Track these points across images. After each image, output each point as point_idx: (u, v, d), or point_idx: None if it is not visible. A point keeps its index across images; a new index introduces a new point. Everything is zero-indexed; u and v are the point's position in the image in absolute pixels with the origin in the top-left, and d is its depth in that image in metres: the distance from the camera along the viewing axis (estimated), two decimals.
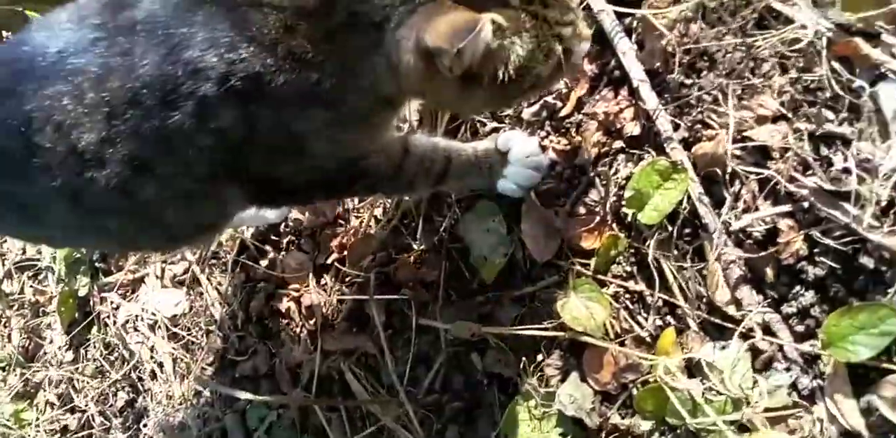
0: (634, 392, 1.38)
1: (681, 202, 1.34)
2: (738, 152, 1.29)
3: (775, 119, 1.27)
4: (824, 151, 1.22)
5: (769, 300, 1.27)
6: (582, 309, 1.42)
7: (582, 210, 1.49)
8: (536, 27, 1.13)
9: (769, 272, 1.27)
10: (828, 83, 1.20)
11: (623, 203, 1.42)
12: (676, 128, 1.37)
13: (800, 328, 1.24)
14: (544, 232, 1.54)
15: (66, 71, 1.15)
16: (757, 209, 1.28)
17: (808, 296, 1.23)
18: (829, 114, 1.22)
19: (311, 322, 1.94)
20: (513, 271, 1.58)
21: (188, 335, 2.24)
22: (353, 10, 1.11)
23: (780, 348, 1.25)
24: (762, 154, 1.28)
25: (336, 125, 1.23)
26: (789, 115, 1.26)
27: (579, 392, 1.42)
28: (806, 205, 1.22)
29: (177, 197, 1.28)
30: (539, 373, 1.49)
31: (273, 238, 2.10)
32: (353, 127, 1.26)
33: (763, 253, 1.26)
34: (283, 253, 2.07)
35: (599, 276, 1.45)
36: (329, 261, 1.92)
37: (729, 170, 1.29)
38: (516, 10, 1.11)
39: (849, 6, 1.20)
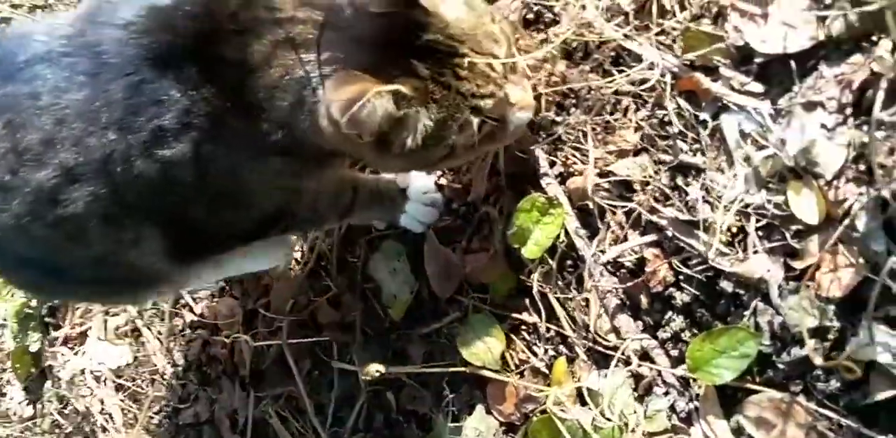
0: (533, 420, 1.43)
1: (558, 236, 1.39)
2: (605, 185, 1.35)
3: (636, 152, 1.33)
4: (681, 182, 1.27)
5: (645, 326, 1.32)
6: (479, 343, 1.47)
7: (476, 246, 1.55)
8: (448, 98, 1.14)
9: (643, 299, 1.32)
10: (674, 117, 1.26)
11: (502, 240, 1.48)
12: (552, 164, 1.42)
13: (675, 352, 1.29)
14: (445, 268, 1.58)
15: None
16: (626, 239, 1.33)
17: (678, 322, 1.28)
18: (684, 146, 1.28)
19: (244, 367, 1.99)
20: (420, 308, 1.63)
21: (133, 385, 2.28)
22: (283, 72, 1.16)
23: (659, 373, 1.29)
24: (626, 186, 1.34)
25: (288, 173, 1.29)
26: (649, 148, 1.31)
27: (484, 424, 1.47)
28: (668, 234, 1.27)
29: (98, 216, 1.27)
30: (447, 408, 1.54)
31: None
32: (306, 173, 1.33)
33: (633, 282, 1.31)
34: (215, 299, 2.12)
35: (496, 310, 1.50)
36: (256, 306, 1.98)
37: (596, 203, 1.35)
38: (424, 80, 1.13)
39: (688, 44, 1.26)
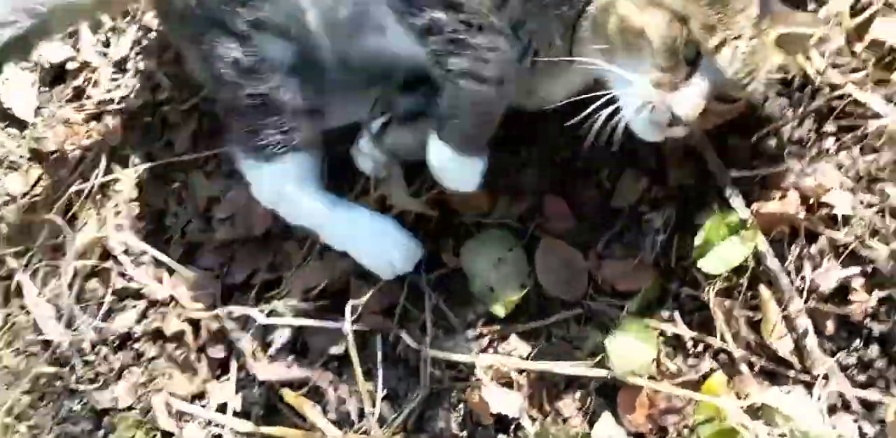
0: (675, 434, 1.35)
1: (747, 256, 1.39)
2: (805, 213, 1.39)
3: (843, 186, 1.40)
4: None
5: (828, 351, 1.34)
6: (630, 348, 1.38)
7: (617, 251, 1.49)
8: None
9: (829, 325, 1.35)
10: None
11: (667, 249, 1.45)
12: (737, 181, 1.45)
13: (861, 377, 1.32)
14: (566, 269, 1.49)
15: None
16: (820, 265, 1.37)
17: (873, 351, 1.32)
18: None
19: (219, 347, 1.65)
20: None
21: None
22: None
23: (841, 395, 1.31)
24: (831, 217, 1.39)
25: None
26: (857, 187, 1.39)
27: (616, 432, 1.36)
28: (875, 267, 1.34)
29: None
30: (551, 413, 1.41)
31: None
32: None
33: (831, 309, 1.34)
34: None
35: (637, 318, 1.43)
36: (253, 282, 1.68)
37: (801, 230, 1.38)
38: None
39: None
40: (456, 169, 1.42)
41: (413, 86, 1.52)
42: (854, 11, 1.45)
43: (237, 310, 1.62)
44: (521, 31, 1.34)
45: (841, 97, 1.41)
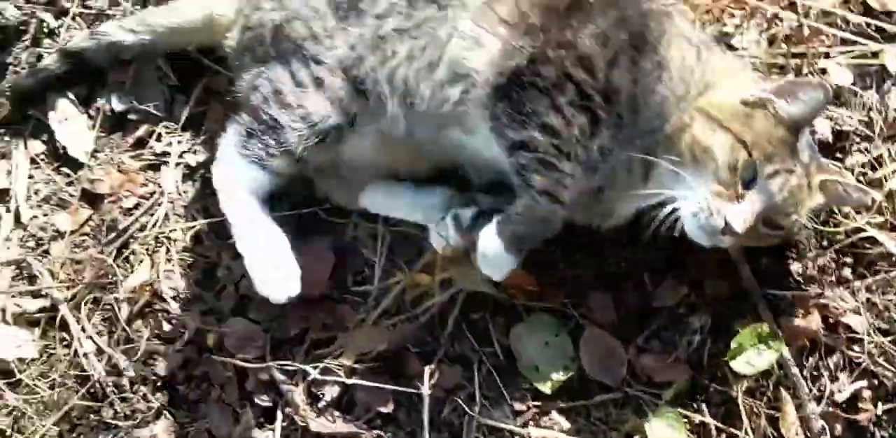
0: None
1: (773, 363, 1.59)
2: (825, 331, 1.61)
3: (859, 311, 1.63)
4: None
5: None
6: (663, 433, 1.55)
7: (655, 346, 1.67)
8: None
9: (838, 426, 1.56)
10: None
11: (700, 348, 1.65)
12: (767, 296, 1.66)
13: None
14: (608, 357, 1.67)
15: None
16: (836, 378, 1.59)
17: None
18: None
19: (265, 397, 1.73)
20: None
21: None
22: None
23: None
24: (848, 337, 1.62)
25: None
26: (868, 312, 1.62)
27: None
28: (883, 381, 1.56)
29: None
30: None
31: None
32: None
33: (842, 414, 1.55)
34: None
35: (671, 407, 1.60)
36: (304, 338, 1.78)
37: (821, 344, 1.60)
38: None
39: None
40: (496, 260, 1.57)
41: (493, 189, 1.69)
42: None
43: (290, 365, 1.71)
44: (608, 157, 1.53)
45: (861, 235, 1.66)
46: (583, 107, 1.48)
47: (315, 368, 1.69)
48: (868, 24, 1.84)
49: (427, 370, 1.60)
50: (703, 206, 1.43)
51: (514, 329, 1.71)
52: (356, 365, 1.70)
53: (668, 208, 1.46)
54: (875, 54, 1.81)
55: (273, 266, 1.67)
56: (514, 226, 1.53)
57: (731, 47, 1.83)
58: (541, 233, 1.57)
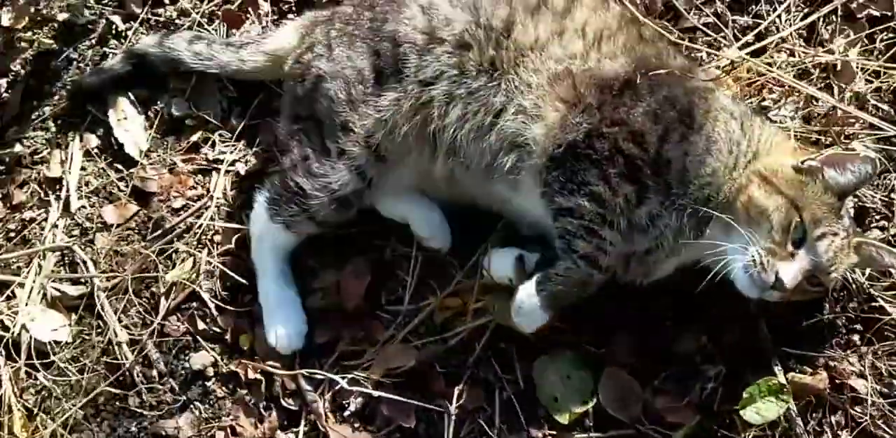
0: None
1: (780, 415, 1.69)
2: (831, 391, 1.72)
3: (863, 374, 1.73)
4: None
5: None
6: None
7: (671, 388, 1.77)
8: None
9: None
10: None
11: (712, 395, 1.75)
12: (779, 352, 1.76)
13: None
14: (625, 395, 1.75)
15: None
16: (839, 436, 1.69)
17: None
18: None
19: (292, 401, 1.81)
20: None
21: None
22: None
23: None
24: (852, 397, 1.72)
25: None
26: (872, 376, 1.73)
27: None
28: None
29: None
30: None
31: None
32: None
33: None
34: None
35: None
36: (334, 349, 1.86)
37: (826, 402, 1.70)
38: None
39: None
40: (531, 315, 1.66)
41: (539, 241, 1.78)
42: None
43: (318, 373, 1.79)
44: (657, 221, 1.63)
45: (872, 304, 1.78)
46: (631, 178, 1.59)
47: (343, 378, 1.77)
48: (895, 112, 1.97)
49: (456, 390, 1.69)
50: (756, 261, 1.53)
51: (538, 360, 1.80)
52: (383, 379, 1.78)
53: (720, 263, 1.56)
54: None
55: (282, 321, 1.85)
56: (553, 286, 1.62)
57: (768, 119, 1.96)
58: (580, 295, 1.66)
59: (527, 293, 1.64)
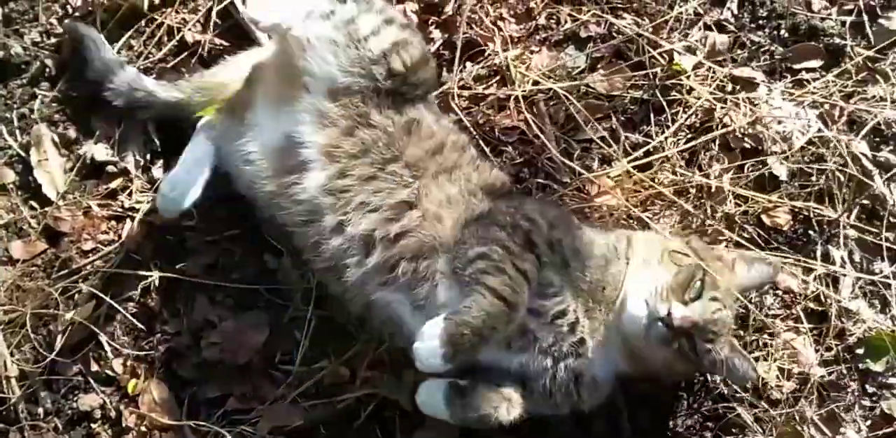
0: None
1: None
2: None
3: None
4: None
5: None
6: None
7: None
8: None
9: None
10: None
11: None
12: None
13: None
14: None
15: None
16: None
17: None
18: None
19: None
20: None
21: None
22: None
23: None
24: None
25: None
26: None
27: None
28: None
29: None
30: None
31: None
32: None
33: None
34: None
35: None
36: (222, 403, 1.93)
37: None
38: None
39: None
40: (428, 352, 1.64)
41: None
42: None
43: (205, 425, 1.86)
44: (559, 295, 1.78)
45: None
46: (530, 249, 1.75)
47: (230, 432, 1.84)
48: (759, 234, 2.21)
49: None
50: (658, 293, 1.75)
51: (417, 432, 1.92)
52: (268, 436, 1.86)
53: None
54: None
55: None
56: (460, 318, 1.64)
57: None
58: (484, 338, 1.67)
59: (430, 332, 1.64)
